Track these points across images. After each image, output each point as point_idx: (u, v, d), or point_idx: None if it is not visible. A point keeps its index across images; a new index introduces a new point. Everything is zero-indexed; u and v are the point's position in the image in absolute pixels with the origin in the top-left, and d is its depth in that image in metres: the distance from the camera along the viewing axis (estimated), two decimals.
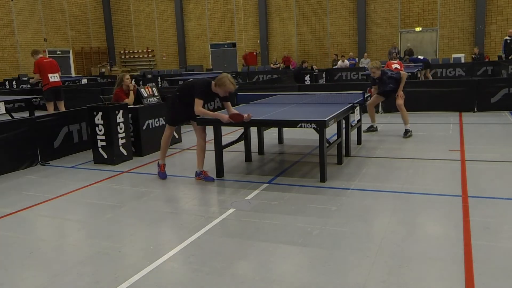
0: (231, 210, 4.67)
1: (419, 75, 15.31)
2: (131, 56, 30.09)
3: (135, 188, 5.73)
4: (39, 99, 11.91)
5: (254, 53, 26.59)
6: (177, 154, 7.62)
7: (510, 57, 17.27)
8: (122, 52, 30.25)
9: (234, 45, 27.36)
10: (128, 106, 7.37)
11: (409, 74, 14.42)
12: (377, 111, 11.05)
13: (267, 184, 5.54)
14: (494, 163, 6.09)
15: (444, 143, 7.40)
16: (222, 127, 6.01)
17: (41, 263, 3.68)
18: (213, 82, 5.52)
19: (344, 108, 6.19)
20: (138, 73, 25.81)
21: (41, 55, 10.47)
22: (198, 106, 5.44)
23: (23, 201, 5.31)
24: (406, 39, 23.20)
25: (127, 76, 8.03)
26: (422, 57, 17.21)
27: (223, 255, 3.67)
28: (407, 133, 8.07)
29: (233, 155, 7.16)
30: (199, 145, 5.87)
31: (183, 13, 27.95)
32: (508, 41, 17.55)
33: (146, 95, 7.93)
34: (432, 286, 3.04)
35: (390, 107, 11.00)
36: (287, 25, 25.70)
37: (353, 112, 6.72)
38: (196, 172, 5.90)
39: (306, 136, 8.24)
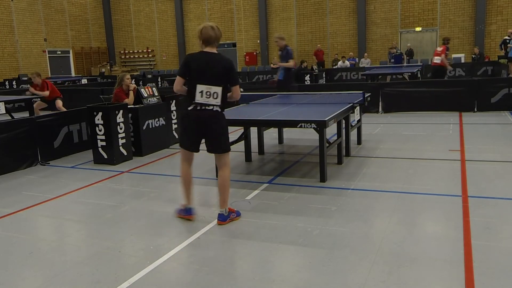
0: None
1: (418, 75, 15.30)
2: (131, 56, 30.08)
3: (135, 188, 5.73)
4: (39, 99, 11.92)
5: (254, 53, 26.60)
6: (177, 154, 7.62)
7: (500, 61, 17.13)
8: (122, 52, 30.24)
9: (234, 45, 27.35)
10: (128, 106, 7.37)
11: (409, 74, 14.46)
12: (377, 111, 11.05)
13: (267, 184, 5.54)
14: (494, 163, 6.09)
15: (444, 143, 7.40)
16: None
17: (41, 263, 3.67)
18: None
19: (344, 108, 6.19)
20: (138, 73, 25.82)
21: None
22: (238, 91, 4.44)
23: (23, 201, 5.31)
24: (406, 39, 23.20)
25: (128, 76, 8.05)
26: (399, 53, 16.80)
27: (223, 255, 3.67)
28: None
29: (233, 155, 7.16)
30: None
31: (183, 13, 27.95)
32: (507, 41, 17.53)
33: (146, 95, 7.93)
34: (432, 286, 3.04)
35: (390, 107, 11.01)
36: (287, 25, 25.69)
37: (353, 112, 6.72)
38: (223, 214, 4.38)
39: (306, 136, 8.24)
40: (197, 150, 4.37)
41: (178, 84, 4.23)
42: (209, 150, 4.37)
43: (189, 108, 4.20)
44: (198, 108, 4.16)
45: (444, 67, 12.91)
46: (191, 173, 4.48)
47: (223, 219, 4.31)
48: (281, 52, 9.11)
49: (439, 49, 12.99)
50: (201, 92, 4.11)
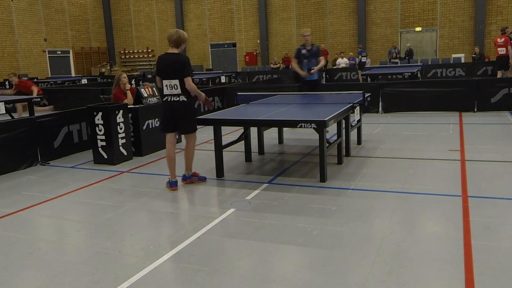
0: (231, 210, 4.67)
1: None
2: (131, 56, 30.08)
3: (135, 188, 5.73)
4: (39, 99, 11.93)
5: (254, 53, 26.60)
6: (177, 154, 7.60)
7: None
8: (122, 52, 30.24)
9: (234, 45, 27.37)
10: (128, 106, 7.37)
11: (409, 74, 14.43)
12: (377, 111, 11.05)
13: (267, 184, 5.54)
14: (494, 163, 6.09)
15: (444, 143, 7.40)
16: (222, 127, 6.02)
17: (41, 263, 3.67)
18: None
19: (344, 108, 6.19)
20: (138, 73, 25.82)
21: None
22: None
23: (23, 201, 5.31)
24: (406, 39, 23.20)
25: (124, 75, 8.04)
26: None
27: (223, 255, 3.67)
28: None
29: (233, 155, 7.16)
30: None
31: (183, 13, 27.96)
32: None
33: (146, 95, 7.93)
34: (432, 286, 3.04)
35: (390, 107, 11.01)
36: (287, 25, 25.70)
37: (353, 112, 6.72)
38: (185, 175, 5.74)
39: (306, 136, 8.24)
40: (172, 131, 5.44)
41: (159, 82, 5.42)
42: (180, 131, 5.48)
43: (163, 100, 5.36)
44: (169, 100, 5.29)
45: (508, 57, 12.77)
46: (174, 153, 5.55)
47: (185, 178, 5.64)
48: (308, 52, 8.90)
49: (500, 40, 12.84)
50: (166, 85, 5.26)
